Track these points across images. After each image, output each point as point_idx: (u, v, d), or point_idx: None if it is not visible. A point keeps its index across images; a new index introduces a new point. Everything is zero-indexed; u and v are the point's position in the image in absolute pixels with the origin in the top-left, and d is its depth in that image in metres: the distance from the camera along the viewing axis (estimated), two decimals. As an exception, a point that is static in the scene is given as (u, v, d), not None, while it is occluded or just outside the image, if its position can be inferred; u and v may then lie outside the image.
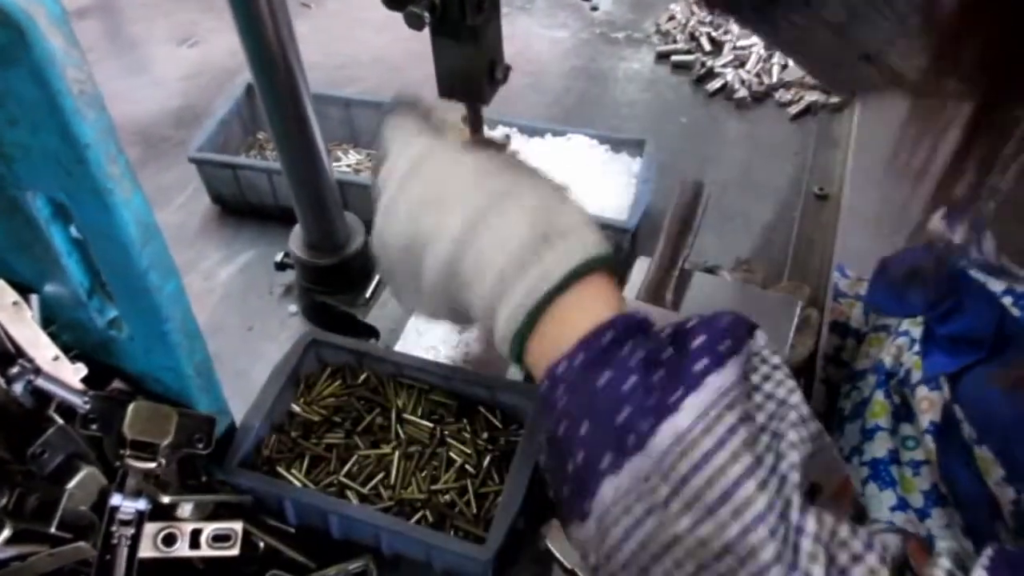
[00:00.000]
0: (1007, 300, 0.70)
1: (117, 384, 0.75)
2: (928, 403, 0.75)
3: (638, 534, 0.45)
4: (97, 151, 0.54)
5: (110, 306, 0.70)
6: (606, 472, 0.46)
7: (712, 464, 0.43)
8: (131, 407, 0.69)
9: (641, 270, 0.89)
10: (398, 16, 0.61)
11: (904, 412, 0.80)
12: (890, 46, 0.54)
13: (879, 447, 0.80)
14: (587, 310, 0.50)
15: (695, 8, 1.44)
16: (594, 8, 1.50)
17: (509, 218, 0.53)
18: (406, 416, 0.81)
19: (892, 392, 0.82)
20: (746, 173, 1.17)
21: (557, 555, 0.68)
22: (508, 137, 0.80)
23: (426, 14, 0.59)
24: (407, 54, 1.39)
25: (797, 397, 0.48)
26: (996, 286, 0.71)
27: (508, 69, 0.68)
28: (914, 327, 0.86)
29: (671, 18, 1.43)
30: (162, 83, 1.39)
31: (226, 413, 0.78)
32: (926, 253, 0.73)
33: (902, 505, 0.77)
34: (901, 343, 0.85)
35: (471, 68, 0.65)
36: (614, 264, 0.53)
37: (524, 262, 0.51)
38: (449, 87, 0.68)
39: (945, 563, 0.42)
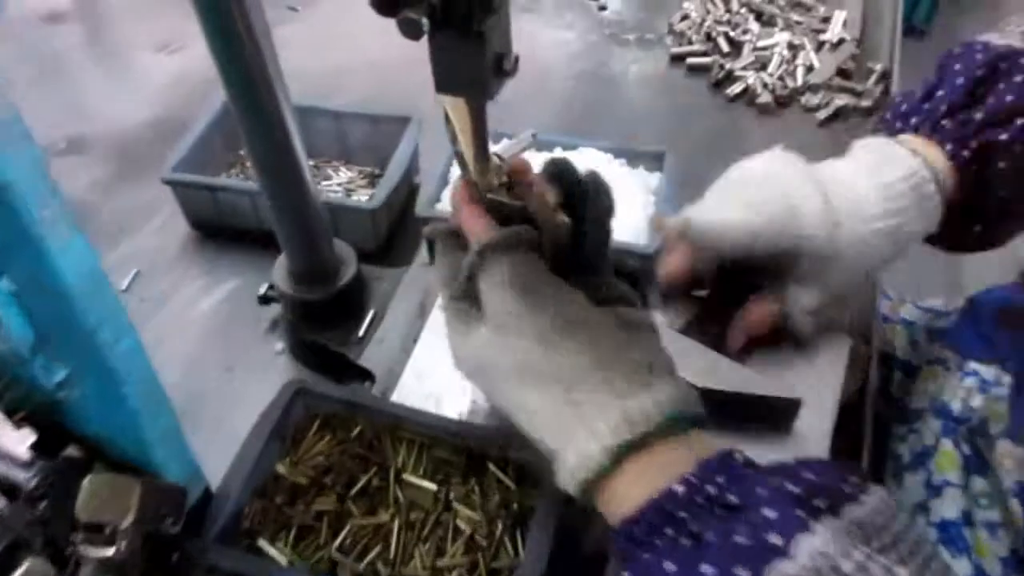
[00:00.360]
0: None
1: (71, 451, 0.65)
2: (1013, 460, 0.65)
3: None
4: (21, 191, 0.44)
5: (58, 366, 0.60)
6: None
7: None
8: (85, 482, 0.59)
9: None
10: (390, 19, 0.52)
11: (977, 464, 0.71)
12: None
13: (949, 506, 0.70)
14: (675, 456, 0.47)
15: (709, 6, 1.34)
16: (602, 8, 1.40)
17: (593, 395, 0.50)
18: (406, 476, 0.72)
19: (962, 441, 0.73)
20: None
21: None
22: (534, 136, 0.70)
23: (424, 20, 0.49)
24: (403, 59, 1.27)
25: None
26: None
27: (517, 59, 0.58)
28: (983, 366, 0.76)
29: (685, 17, 1.33)
30: (141, 92, 1.30)
31: (199, 479, 0.69)
32: (1018, 291, 0.64)
33: (978, 574, 0.68)
34: (970, 385, 0.76)
35: (474, 60, 0.55)
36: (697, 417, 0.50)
37: (587, 419, 0.49)
38: (447, 80, 0.58)
39: None
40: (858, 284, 0.70)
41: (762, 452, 0.53)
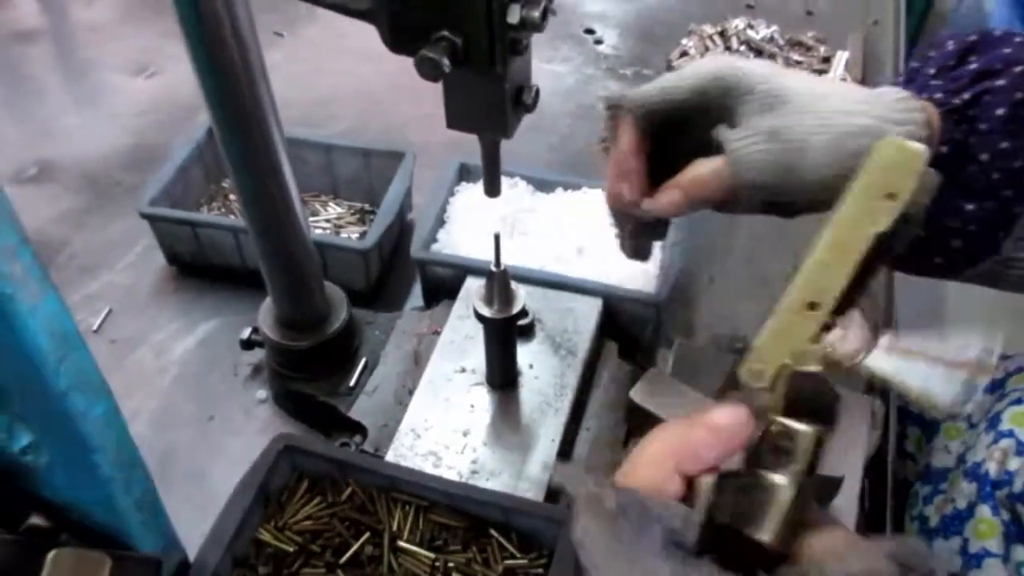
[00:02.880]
0: None
1: (36, 520, 0.59)
2: (1061, 528, 0.62)
3: None
4: (-14, 247, 0.39)
5: (23, 429, 0.54)
6: None
7: None
8: (50, 557, 0.53)
9: (683, 355, 0.75)
10: (381, 44, 0.47)
11: (1018, 533, 0.67)
12: None
13: (991, 578, 0.66)
14: None
15: (708, 43, 1.31)
16: (598, 41, 1.37)
17: None
18: (401, 543, 0.67)
19: (1001, 507, 0.69)
20: (781, 228, 1.04)
21: None
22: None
23: (445, 60, 0.44)
24: (392, 87, 1.25)
25: None
26: None
27: (537, 92, 0.54)
28: (1019, 426, 0.72)
29: (684, 54, 1.30)
30: (115, 118, 1.24)
31: (176, 548, 0.63)
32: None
33: (1021, 652, 0.64)
34: (1006, 446, 0.72)
35: (493, 97, 0.51)
36: None
37: None
38: (461, 117, 0.53)
39: None
40: (829, 171, 0.54)
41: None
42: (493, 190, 0.60)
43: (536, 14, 0.44)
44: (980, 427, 0.78)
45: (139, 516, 0.58)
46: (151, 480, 0.58)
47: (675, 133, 0.60)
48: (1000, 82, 0.56)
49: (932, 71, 0.61)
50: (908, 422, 0.90)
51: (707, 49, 1.29)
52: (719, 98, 0.57)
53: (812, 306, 0.38)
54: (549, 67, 1.31)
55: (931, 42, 0.66)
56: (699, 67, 0.58)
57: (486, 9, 0.44)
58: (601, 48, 1.36)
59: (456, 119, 0.54)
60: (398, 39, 0.47)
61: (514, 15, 0.44)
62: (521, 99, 0.52)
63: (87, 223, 1.05)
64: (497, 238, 0.66)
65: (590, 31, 1.39)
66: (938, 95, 0.58)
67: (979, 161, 0.55)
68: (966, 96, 0.57)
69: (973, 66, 0.58)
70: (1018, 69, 0.56)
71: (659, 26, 1.39)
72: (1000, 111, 0.55)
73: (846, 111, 0.54)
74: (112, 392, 0.51)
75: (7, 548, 0.54)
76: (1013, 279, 0.60)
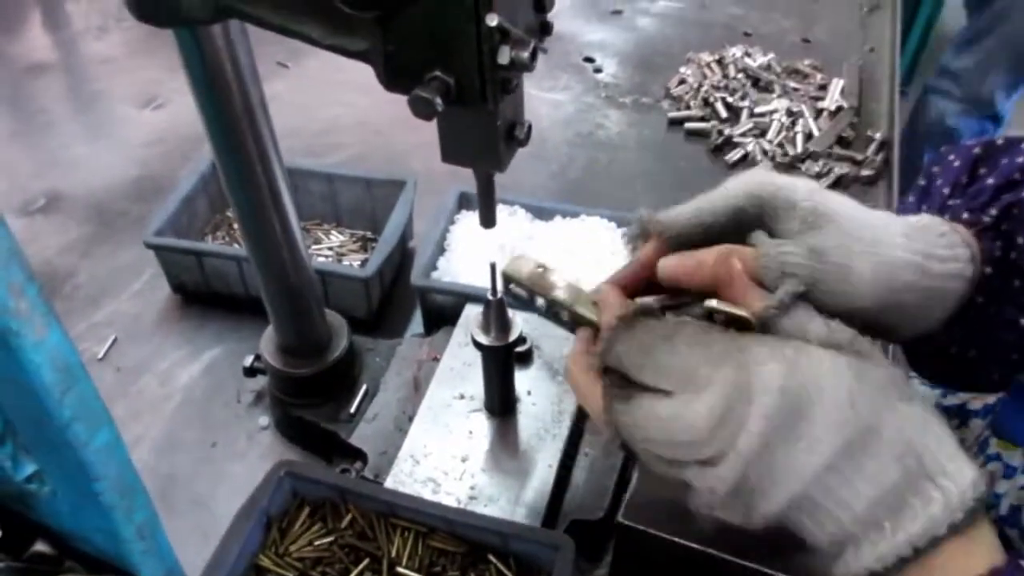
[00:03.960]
0: None
1: (40, 546, 0.60)
2: (1051, 552, 0.62)
3: None
4: (-8, 282, 0.40)
5: (27, 459, 0.55)
6: None
7: None
8: (52, 585, 0.54)
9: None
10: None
11: (1006, 552, 0.67)
12: None
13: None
14: (964, 558, 0.44)
15: (707, 72, 1.33)
16: (597, 70, 1.39)
17: (878, 459, 0.46)
18: (400, 569, 0.67)
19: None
20: (777, 256, 1.05)
21: None
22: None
23: (438, 99, 0.45)
24: (393, 118, 1.27)
25: None
26: None
27: (530, 128, 0.55)
28: (1008, 451, 0.73)
29: (682, 82, 1.32)
30: (122, 149, 1.26)
31: (177, 575, 0.63)
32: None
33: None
34: (994, 469, 0.72)
35: (486, 132, 0.52)
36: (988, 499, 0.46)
37: (897, 507, 0.45)
38: (456, 151, 0.55)
39: None
40: (873, 302, 0.52)
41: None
42: (488, 221, 0.61)
43: (525, 55, 0.46)
44: (972, 452, 0.78)
45: (141, 544, 0.58)
46: (153, 508, 0.59)
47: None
48: None
49: (946, 190, 0.61)
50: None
51: (704, 77, 1.31)
52: (756, 214, 0.54)
53: None
54: (549, 96, 1.33)
55: (931, 159, 0.66)
56: (734, 186, 0.55)
57: (477, 50, 0.45)
58: (601, 76, 1.38)
59: (451, 153, 0.55)
60: (393, 79, 0.49)
61: (504, 56, 0.46)
62: (514, 134, 0.54)
63: (93, 253, 1.07)
64: (493, 267, 0.67)
65: (590, 59, 1.42)
66: (964, 215, 0.58)
67: None
68: (994, 212, 0.57)
69: (990, 181, 0.59)
70: None
71: (658, 55, 1.42)
72: None
73: (890, 243, 0.52)
74: (114, 421, 0.52)
75: (15, 574, 0.55)
76: None
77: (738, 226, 0.54)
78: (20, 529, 0.60)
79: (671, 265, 0.54)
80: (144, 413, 0.89)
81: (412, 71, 0.47)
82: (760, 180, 0.55)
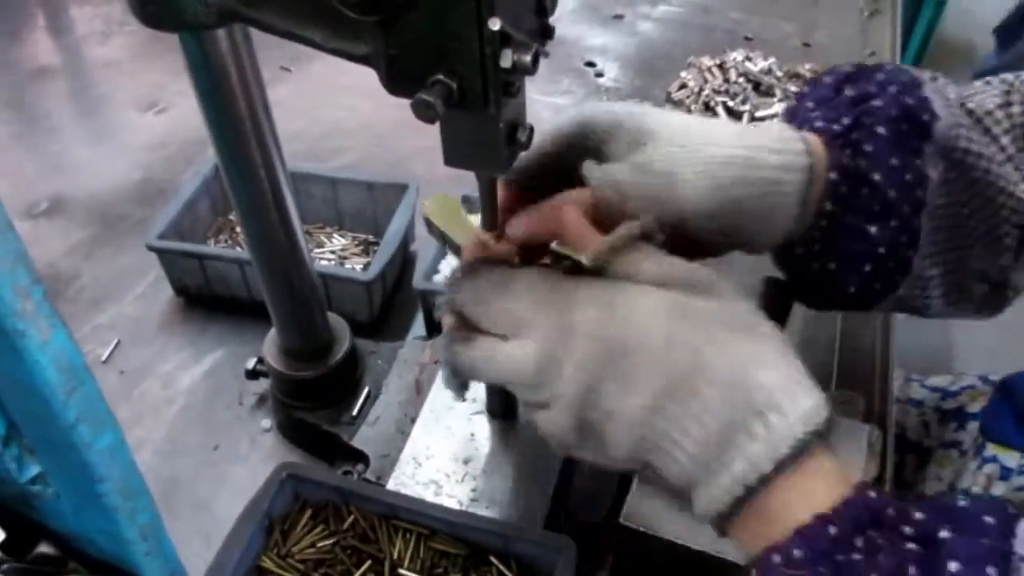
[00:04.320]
0: None
1: (44, 548, 0.60)
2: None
3: None
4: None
5: (31, 460, 0.55)
6: None
7: None
8: (55, 586, 0.54)
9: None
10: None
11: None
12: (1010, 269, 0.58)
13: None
14: (804, 495, 0.43)
15: (707, 75, 1.33)
16: (599, 74, 1.40)
17: (702, 398, 0.45)
18: (402, 571, 0.68)
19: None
20: (757, 272, 1.05)
21: None
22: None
23: (440, 103, 0.46)
24: (396, 122, 1.27)
25: None
26: None
27: (532, 131, 0.55)
28: (1004, 452, 0.74)
29: (683, 86, 1.32)
30: (125, 153, 1.26)
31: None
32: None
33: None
34: (990, 472, 0.73)
35: (487, 135, 0.52)
36: (830, 430, 0.45)
37: (724, 445, 0.44)
38: (458, 154, 0.55)
39: None
40: (708, 204, 0.52)
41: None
42: (490, 223, 0.62)
43: (528, 59, 0.46)
44: (969, 455, 0.79)
45: (144, 545, 0.59)
46: (156, 509, 0.59)
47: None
48: (877, 103, 0.56)
49: (810, 105, 0.61)
50: (905, 449, 0.91)
51: (706, 81, 1.31)
52: (585, 142, 0.55)
53: None
54: (551, 100, 1.34)
55: (809, 80, 0.66)
56: (566, 118, 0.57)
57: (479, 54, 0.46)
58: (602, 81, 1.39)
59: (453, 157, 0.55)
60: (395, 82, 0.49)
61: (507, 60, 0.46)
62: (516, 137, 0.54)
63: (97, 256, 1.08)
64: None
65: (591, 64, 1.42)
66: (819, 124, 0.57)
67: (872, 182, 0.55)
68: (846, 121, 0.56)
69: (850, 94, 0.58)
70: (892, 89, 0.56)
71: (659, 59, 1.42)
72: (881, 130, 0.55)
73: (717, 142, 0.53)
74: (118, 423, 0.53)
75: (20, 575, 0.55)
76: (934, 303, 0.59)
77: (572, 154, 0.55)
78: (23, 531, 0.60)
79: (518, 224, 0.56)
80: (146, 416, 0.89)
81: (415, 75, 0.48)
82: (590, 109, 0.56)
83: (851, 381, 0.89)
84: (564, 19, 1.51)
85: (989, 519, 0.39)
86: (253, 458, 0.86)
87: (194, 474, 0.84)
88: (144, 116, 1.33)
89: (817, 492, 0.43)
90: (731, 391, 0.44)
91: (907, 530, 0.40)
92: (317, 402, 0.83)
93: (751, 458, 0.43)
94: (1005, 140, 0.57)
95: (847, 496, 0.42)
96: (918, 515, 0.40)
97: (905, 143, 0.55)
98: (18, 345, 0.44)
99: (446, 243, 0.67)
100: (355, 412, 0.82)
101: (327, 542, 0.69)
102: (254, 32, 0.58)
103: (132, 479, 0.56)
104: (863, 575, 0.39)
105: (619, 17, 1.53)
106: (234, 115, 0.63)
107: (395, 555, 0.68)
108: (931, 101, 0.55)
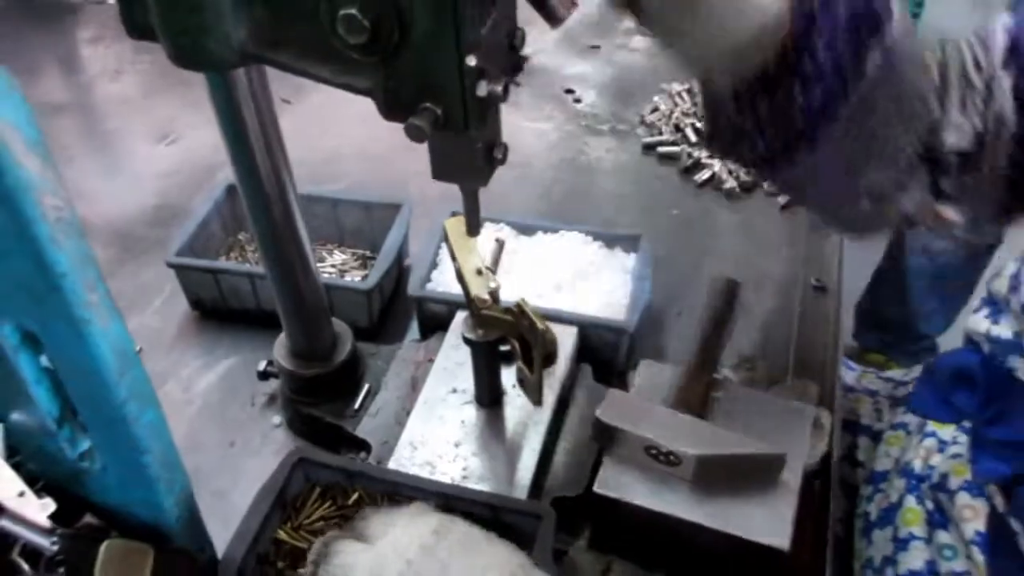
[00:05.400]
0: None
1: (89, 519, 0.69)
2: (972, 511, 0.71)
3: None
4: (74, 280, 0.50)
5: (82, 437, 0.64)
6: None
7: None
8: (103, 547, 0.63)
9: (647, 375, 0.85)
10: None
11: (940, 519, 0.76)
12: (900, 189, 0.56)
13: (915, 558, 0.76)
14: None
15: (677, 100, 1.44)
16: (578, 101, 1.50)
17: None
18: (402, 541, 0.75)
19: (925, 497, 0.78)
20: (742, 266, 1.15)
21: None
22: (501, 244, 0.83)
23: (428, 126, 0.56)
24: (391, 146, 1.37)
25: None
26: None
27: (506, 149, 0.65)
28: (941, 428, 0.83)
29: (655, 110, 1.43)
30: (139, 181, 1.36)
31: (208, 545, 0.72)
32: (972, 354, 0.70)
33: (945, 621, 0.72)
34: (929, 445, 0.82)
35: (467, 154, 0.62)
36: None
37: None
38: (444, 170, 0.65)
39: None
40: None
41: (756, 498, 0.69)
42: (474, 230, 0.72)
43: (499, 89, 0.56)
44: (914, 434, 0.88)
45: (178, 512, 0.67)
46: (189, 482, 0.68)
47: None
48: None
49: None
50: (859, 433, 1.00)
51: (676, 105, 1.42)
52: None
53: None
54: (534, 125, 1.44)
55: None
56: None
57: (460, 86, 0.56)
58: (580, 107, 1.49)
59: (440, 172, 0.65)
60: (391, 110, 0.58)
61: (483, 90, 0.56)
62: (493, 155, 0.64)
63: (118, 274, 1.17)
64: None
65: (570, 91, 1.53)
66: None
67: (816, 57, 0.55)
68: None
69: None
70: None
71: (633, 86, 1.53)
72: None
73: None
74: (160, 403, 0.62)
75: (68, 540, 0.63)
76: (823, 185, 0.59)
77: None
78: (71, 504, 0.69)
79: None
80: (168, 416, 0.96)
81: (407, 103, 0.57)
82: None
83: (804, 368, 0.99)
84: (546, 50, 1.61)
85: None
86: (266, 452, 0.94)
87: (212, 468, 0.93)
88: (157, 147, 1.43)
89: None
90: None
91: None
92: (323, 398, 0.92)
93: None
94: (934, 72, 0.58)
95: None
96: None
97: (856, 35, 0.55)
98: (83, 332, 0.53)
99: (452, 256, 0.81)
100: (357, 406, 0.91)
101: (335, 516, 0.78)
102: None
103: (170, 453, 0.65)
104: None
105: (596, 48, 1.64)
106: (252, 143, 0.73)
107: (396, 527, 0.77)
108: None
